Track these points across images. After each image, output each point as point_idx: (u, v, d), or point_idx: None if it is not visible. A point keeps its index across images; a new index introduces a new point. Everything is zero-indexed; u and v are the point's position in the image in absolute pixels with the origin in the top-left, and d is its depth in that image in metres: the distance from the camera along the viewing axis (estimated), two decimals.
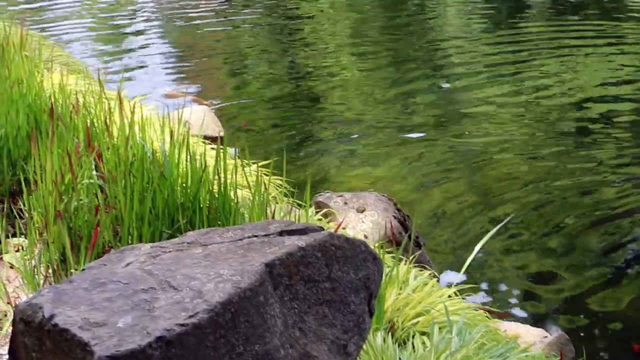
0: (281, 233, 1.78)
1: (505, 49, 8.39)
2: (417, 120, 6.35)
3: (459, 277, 2.84)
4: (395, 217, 3.54)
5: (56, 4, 10.94)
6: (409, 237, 3.44)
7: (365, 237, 3.38)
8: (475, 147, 5.76)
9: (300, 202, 3.20)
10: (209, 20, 9.78)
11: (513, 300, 3.95)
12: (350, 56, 8.30)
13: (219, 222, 2.55)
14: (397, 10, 10.53)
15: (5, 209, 2.70)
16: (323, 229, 1.82)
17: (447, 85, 7.25)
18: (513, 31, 9.14)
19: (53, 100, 2.97)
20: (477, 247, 2.66)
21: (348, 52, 8.47)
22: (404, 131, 6.08)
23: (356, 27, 9.49)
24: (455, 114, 6.49)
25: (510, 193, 5.02)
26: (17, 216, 2.71)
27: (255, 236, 1.76)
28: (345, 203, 3.56)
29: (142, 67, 7.86)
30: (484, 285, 4.02)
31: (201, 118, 4.32)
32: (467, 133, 6.04)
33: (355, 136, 5.98)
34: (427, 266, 3.10)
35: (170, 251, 1.72)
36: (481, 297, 3.83)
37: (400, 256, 2.61)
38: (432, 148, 5.72)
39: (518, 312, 3.85)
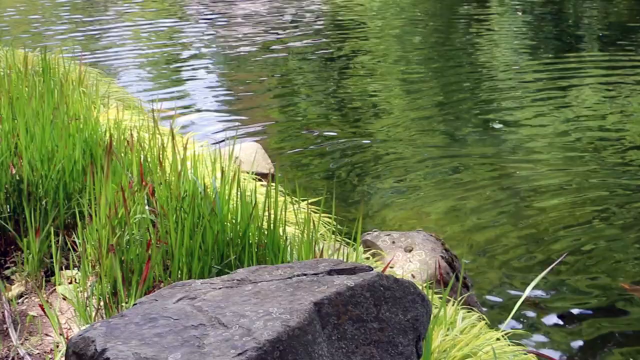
0: (330, 272, 1.79)
1: (555, 84, 8.34)
2: (465, 157, 6.33)
3: (508, 319, 2.80)
4: (443, 257, 3.52)
5: (107, 34, 11.22)
6: (457, 277, 3.41)
7: (413, 276, 3.36)
8: (525, 185, 5.71)
9: (348, 240, 3.20)
10: (258, 55, 9.93)
11: (564, 344, 3.87)
12: (398, 93, 8.33)
13: (268, 259, 2.57)
14: (446, 45, 10.56)
15: (60, 242, 2.76)
16: (372, 269, 1.82)
17: (497, 124, 7.22)
18: (563, 66, 9.08)
19: (109, 136, 3.04)
20: (528, 289, 2.62)
21: (396, 89, 8.50)
22: (451, 168, 6.06)
23: (405, 64, 9.53)
24: (504, 151, 6.45)
25: (561, 233, 4.95)
26: (71, 249, 2.77)
27: (305, 275, 1.78)
28: (393, 242, 3.55)
29: (193, 101, 7.99)
30: (533, 328, 3.95)
31: (252, 155, 4.38)
32: (516, 171, 5.99)
33: (402, 173, 5.98)
34: (475, 308, 3.07)
35: (220, 288, 1.74)
36: (531, 341, 3.76)
37: (448, 297, 2.59)
38: (480, 185, 5.69)
39: (569, 356, 3.77)
